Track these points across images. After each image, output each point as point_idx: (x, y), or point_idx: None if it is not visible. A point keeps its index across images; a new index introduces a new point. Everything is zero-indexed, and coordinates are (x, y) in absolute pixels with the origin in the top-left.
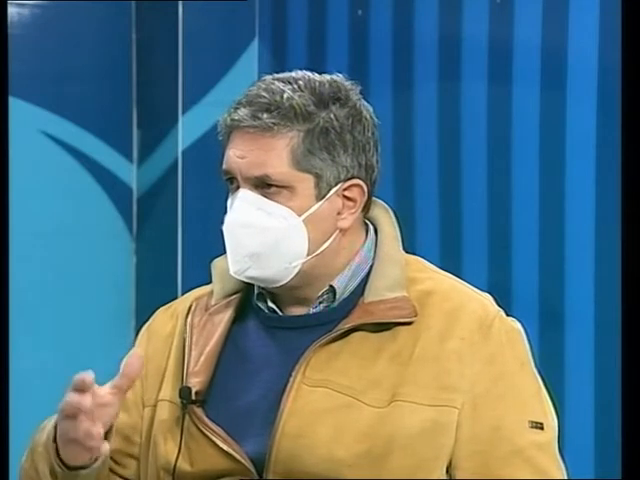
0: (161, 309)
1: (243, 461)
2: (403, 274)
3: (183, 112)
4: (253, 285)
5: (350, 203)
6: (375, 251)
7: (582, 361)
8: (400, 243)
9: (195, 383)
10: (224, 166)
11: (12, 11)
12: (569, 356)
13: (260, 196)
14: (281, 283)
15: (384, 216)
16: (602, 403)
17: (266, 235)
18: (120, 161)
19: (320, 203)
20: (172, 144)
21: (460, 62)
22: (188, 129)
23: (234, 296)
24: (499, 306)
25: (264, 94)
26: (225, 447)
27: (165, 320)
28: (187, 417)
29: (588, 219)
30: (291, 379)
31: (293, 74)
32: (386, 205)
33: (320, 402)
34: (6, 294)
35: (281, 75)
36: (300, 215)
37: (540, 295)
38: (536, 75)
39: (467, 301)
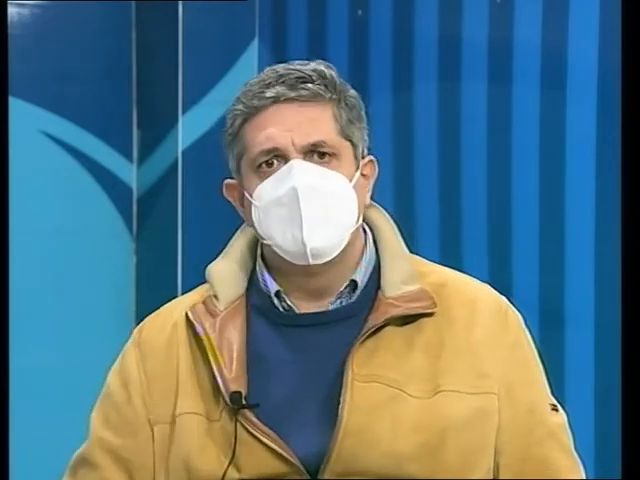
0: (146, 323)
1: (297, 463)
2: (413, 267)
3: (183, 112)
4: (253, 288)
5: (365, 181)
6: (377, 248)
7: (582, 361)
8: (401, 238)
9: (238, 388)
10: (267, 145)
11: (12, 11)
12: (569, 356)
13: (315, 164)
14: (331, 256)
15: (380, 216)
16: (602, 403)
17: (331, 200)
18: (120, 161)
19: (358, 173)
20: (172, 144)
21: (460, 62)
22: (188, 129)
23: (238, 300)
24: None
25: (294, 72)
26: (280, 450)
27: (157, 333)
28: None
29: (588, 219)
30: (345, 376)
31: (298, 62)
32: (379, 206)
33: (375, 397)
34: (6, 294)
35: (287, 64)
36: (350, 182)
37: (540, 294)
38: (536, 75)
39: (477, 291)
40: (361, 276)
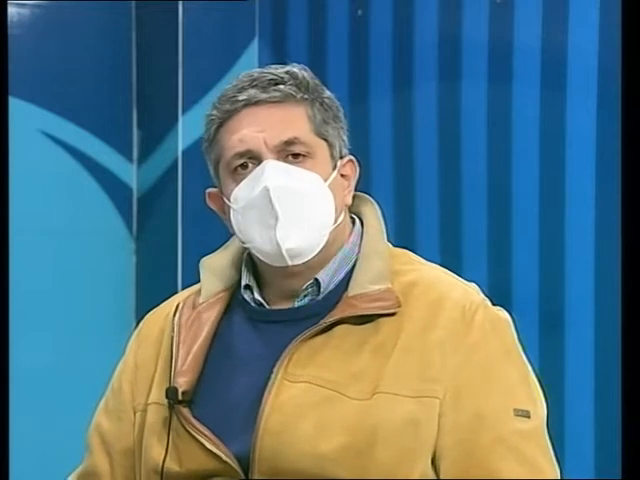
0: (149, 313)
1: (229, 461)
2: (387, 267)
3: (183, 112)
4: (240, 281)
5: (346, 182)
6: (360, 245)
7: (582, 361)
8: (385, 236)
9: (182, 383)
10: (240, 148)
11: (12, 11)
12: (569, 356)
13: (289, 164)
14: (309, 257)
15: (369, 210)
16: (602, 403)
17: (305, 200)
18: (120, 161)
19: (336, 172)
20: (172, 144)
21: (460, 62)
22: (188, 129)
23: (222, 294)
24: (486, 296)
25: (266, 75)
26: (211, 447)
27: (153, 324)
28: (175, 417)
29: (588, 219)
30: (273, 375)
31: (275, 66)
32: (371, 198)
33: (302, 397)
34: (6, 294)
35: (262, 68)
36: (325, 182)
37: (540, 295)
38: (536, 75)
39: (450, 290)
40: (329, 274)
